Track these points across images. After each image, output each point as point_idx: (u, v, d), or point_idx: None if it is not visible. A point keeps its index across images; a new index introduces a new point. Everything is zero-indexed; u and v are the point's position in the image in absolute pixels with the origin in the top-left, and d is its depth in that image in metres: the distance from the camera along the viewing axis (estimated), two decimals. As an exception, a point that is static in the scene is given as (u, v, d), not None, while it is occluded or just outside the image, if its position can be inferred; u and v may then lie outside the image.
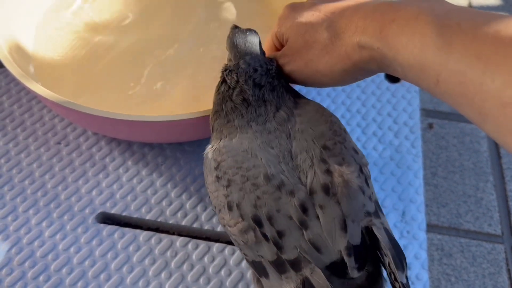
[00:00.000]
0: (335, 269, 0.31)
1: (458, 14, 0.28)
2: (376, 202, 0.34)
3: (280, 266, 0.31)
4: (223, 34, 0.50)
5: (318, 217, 0.31)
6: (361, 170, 0.33)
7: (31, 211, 0.43)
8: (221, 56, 0.52)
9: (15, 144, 0.47)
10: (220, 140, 0.35)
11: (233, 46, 0.38)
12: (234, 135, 0.35)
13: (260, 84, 0.36)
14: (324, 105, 0.53)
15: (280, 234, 0.31)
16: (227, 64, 0.38)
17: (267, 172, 0.32)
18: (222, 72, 0.37)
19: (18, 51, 0.49)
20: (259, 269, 0.32)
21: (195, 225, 0.43)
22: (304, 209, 0.31)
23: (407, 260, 0.43)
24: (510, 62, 0.24)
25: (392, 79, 0.57)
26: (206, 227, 0.43)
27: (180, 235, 0.43)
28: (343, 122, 0.52)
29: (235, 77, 0.36)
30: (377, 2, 0.33)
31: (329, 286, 0.29)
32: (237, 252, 0.42)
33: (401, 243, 0.44)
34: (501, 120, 0.24)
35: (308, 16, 0.36)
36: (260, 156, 0.33)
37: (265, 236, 0.31)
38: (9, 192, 0.44)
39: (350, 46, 0.33)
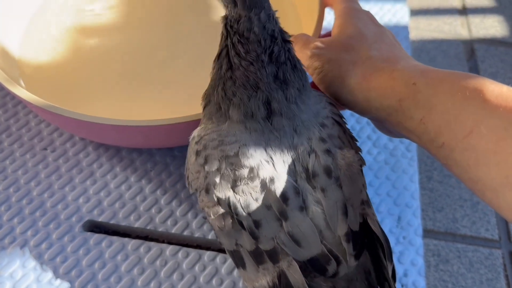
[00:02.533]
0: (315, 265, 0.29)
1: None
2: (367, 193, 0.33)
3: (258, 256, 0.30)
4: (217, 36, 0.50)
5: (301, 207, 0.29)
6: (357, 154, 0.32)
7: (15, 220, 0.42)
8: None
9: (0, 150, 0.46)
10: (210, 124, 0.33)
11: None
12: (222, 122, 0.32)
13: (278, 60, 0.29)
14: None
15: (257, 224, 0.29)
16: (227, 18, 0.29)
17: (247, 151, 0.30)
18: (223, 34, 0.30)
19: (4, 55, 0.48)
20: (236, 259, 0.31)
21: (185, 233, 0.42)
22: (284, 198, 0.29)
23: (404, 267, 0.42)
24: None
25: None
26: (197, 235, 0.42)
27: (170, 243, 0.41)
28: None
29: (240, 47, 0.29)
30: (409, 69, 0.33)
31: (304, 283, 0.28)
32: (229, 260, 0.41)
33: (397, 249, 0.43)
34: None
35: (368, 22, 0.37)
36: (248, 141, 0.30)
37: (241, 224, 0.30)
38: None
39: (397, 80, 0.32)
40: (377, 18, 0.61)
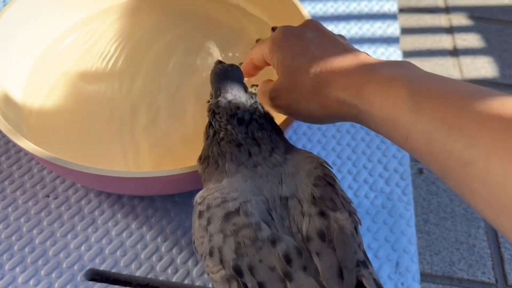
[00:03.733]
0: None
1: (429, 80, 0.31)
2: (364, 252, 0.33)
3: None
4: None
5: (304, 267, 0.30)
6: (351, 216, 0.33)
7: (17, 269, 0.42)
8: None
9: (3, 197, 0.47)
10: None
11: (214, 81, 0.38)
12: (221, 178, 0.35)
13: (244, 119, 0.36)
14: (315, 151, 0.53)
15: (261, 285, 0.30)
16: (209, 103, 0.38)
17: (247, 209, 0.32)
18: (207, 113, 0.37)
19: (7, 102, 0.49)
20: None
21: (186, 281, 0.42)
22: (288, 260, 0.30)
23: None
24: (471, 127, 0.27)
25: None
26: (197, 283, 0.42)
27: (171, 291, 0.42)
28: (334, 169, 0.52)
29: (218, 118, 0.36)
30: (359, 61, 0.35)
31: None
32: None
33: (396, 295, 0.43)
34: (461, 177, 0.27)
35: (299, 55, 0.37)
36: (248, 197, 0.33)
37: (245, 286, 0.30)
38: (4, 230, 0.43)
39: (331, 100, 0.35)
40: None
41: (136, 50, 0.59)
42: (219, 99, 0.36)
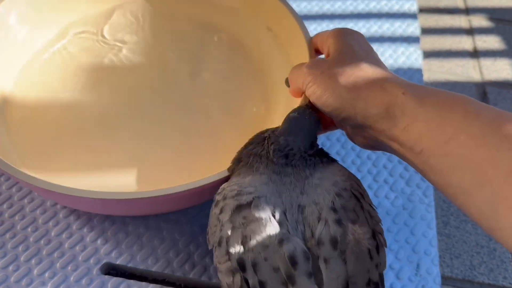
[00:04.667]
0: None
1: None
2: (381, 275, 0.32)
3: None
4: (208, 105, 0.50)
5: (309, 274, 0.29)
6: (373, 235, 0.32)
7: (33, 261, 0.42)
8: (204, 128, 0.49)
9: (18, 188, 0.46)
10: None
11: (285, 121, 0.37)
12: (247, 175, 0.34)
13: (291, 163, 0.35)
14: (333, 149, 0.52)
15: (262, 284, 0.29)
16: (273, 131, 0.38)
17: (258, 203, 0.31)
18: (266, 137, 0.37)
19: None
20: None
21: (203, 278, 0.41)
22: (293, 262, 0.29)
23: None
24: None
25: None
26: (214, 280, 0.41)
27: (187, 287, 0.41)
28: (353, 168, 0.51)
29: (271, 149, 0.35)
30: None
31: None
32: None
33: (417, 298, 0.42)
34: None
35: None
36: (264, 194, 0.32)
37: (247, 282, 0.29)
38: (11, 240, 0.43)
39: (374, 82, 0.34)
40: (391, 60, 0.62)
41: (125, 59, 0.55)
42: (280, 138, 0.36)
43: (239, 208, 0.31)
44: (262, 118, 0.51)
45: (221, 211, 0.32)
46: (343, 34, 0.39)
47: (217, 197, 0.34)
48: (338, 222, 0.31)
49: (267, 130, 0.38)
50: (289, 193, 0.33)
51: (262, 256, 0.29)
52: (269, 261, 0.29)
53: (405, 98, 0.32)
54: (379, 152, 0.53)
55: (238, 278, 0.30)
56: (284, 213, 0.31)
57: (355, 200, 0.33)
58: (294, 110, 0.38)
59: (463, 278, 1.07)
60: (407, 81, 0.34)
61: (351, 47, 0.38)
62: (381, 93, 0.33)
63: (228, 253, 0.30)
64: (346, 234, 0.30)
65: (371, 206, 0.34)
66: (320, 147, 0.38)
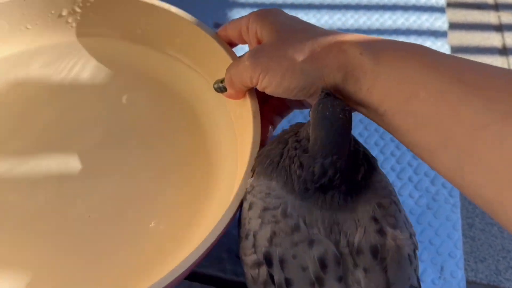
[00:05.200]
0: None
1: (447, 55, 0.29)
2: (418, 279, 0.30)
3: None
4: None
5: (340, 278, 0.27)
6: (411, 238, 0.30)
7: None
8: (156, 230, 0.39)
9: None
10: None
11: (316, 124, 0.29)
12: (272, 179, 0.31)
13: (324, 187, 0.30)
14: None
15: (288, 282, 0.28)
16: (296, 135, 0.31)
17: (286, 209, 0.29)
18: (287, 146, 0.31)
19: None
20: None
21: None
22: (323, 265, 0.28)
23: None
24: (489, 89, 0.25)
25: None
26: None
27: None
28: (375, 165, 0.49)
29: (295, 172, 0.30)
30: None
31: None
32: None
33: (441, 303, 0.40)
34: (468, 145, 0.25)
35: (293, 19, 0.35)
36: (292, 200, 0.30)
37: (272, 278, 0.28)
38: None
39: (329, 49, 0.31)
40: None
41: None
42: (315, 163, 0.29)
43: (267, 209, 0.30)
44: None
45: (250, 208, 0.31)
46: (268, 15, 0.35)
47: (248, 195, 0.32)
48: (379, 231, 0.29)
49: (288, 132, 0.33)
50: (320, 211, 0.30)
51: (290, 253, 0.28)
52: (298, 259, 0.28)
53: (363, 59, 0.29)
54: (404, 148, 0.51)
55: (263, 271, 0.29)
56: (316, 220, 0.29)
57: (395, 206, 0.31)
58: (323, 103, 0.29)
59: (487, 283, 1.03)
60: (364, 37, 0.32)
61: (284, 23, 0.34)
62: (341, 56, 0.30)
63: (254, 246, 0.29)
64: (386, 241, 0.29)
65: (403, 209, 0.32)
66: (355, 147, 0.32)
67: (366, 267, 0.28)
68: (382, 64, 0.29)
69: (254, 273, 0.29)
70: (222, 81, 0.38)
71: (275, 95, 0.33)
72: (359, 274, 0.28)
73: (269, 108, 0.40)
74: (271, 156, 0.32)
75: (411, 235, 0.30)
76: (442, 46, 0.62)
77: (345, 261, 0.28)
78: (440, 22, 0.64)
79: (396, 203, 0.31)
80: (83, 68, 0.49)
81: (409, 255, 0.29)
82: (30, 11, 0.47)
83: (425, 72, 0.27)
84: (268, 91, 0.33)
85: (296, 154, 0.30)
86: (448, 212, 0.46)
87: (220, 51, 0.42)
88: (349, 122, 0.29)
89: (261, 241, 0.29)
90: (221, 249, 0.42)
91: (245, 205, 0.31)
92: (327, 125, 0.28)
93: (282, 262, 0.28)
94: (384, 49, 0.30)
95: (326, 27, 0.56)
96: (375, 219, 0.29)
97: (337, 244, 0.29)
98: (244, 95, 0.38)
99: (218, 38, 0.43)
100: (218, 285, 0.40)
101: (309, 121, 0.31)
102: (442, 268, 0.42)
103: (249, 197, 0.31)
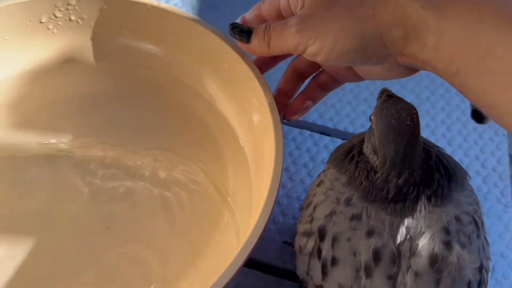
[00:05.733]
0: None
1: None
2: None
3: None
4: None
5: (390, 277, 0.27)
6: (480, 269, 0.28)
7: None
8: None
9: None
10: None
11: (382, 139, 0.27)
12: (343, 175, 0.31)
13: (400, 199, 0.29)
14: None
15: (334, 261, 0.27)
16: (362, 144, 0.30)
17: (350, 197, 0.29)
18: (355, 156, 0.30)
19: None
20: None
21: None
22: (376, 257, 0.27)
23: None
24: None
25: (479, 119, 0.53)
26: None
27: None
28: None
29: (367, 185, 0.29)
30: None
31: None
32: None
33: (492, 304, 0.39)
34: None
35: None
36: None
37: (319, 252, 0.28)
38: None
39: (385, 6, 0.28)
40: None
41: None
42: (390, 183, 0.28)
43: (334, 189, 0.30)
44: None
45: (319, 184, 0.31)
46: None
47: (321, 173, 0.32)
48: (447, 243, 0.27)
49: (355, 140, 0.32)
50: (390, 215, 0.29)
51: (346, 235, 0.27)
52: (352, 243, 0.27)
53: (425, 13, 0.26)
54: (456, 146, 0.50)
55: (312, 243, 0.28)
56: (382, 220, 0.28)
57: (474, 227, 0.29)
58: (386, 114, 0.27)
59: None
60: None
61: None
62: (399, 11, 0.27)
63: (312, 216, 0.29)
64: (450, 256, 0.27)
65: (486, 239, 0.30)
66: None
67: (418, 272, 0.26)
68: (448, 18, 0.26)
69: (302, 242, 0.29)
70: (245, 28, 0.32)
71: (327, 62, 0.30)
72: (409, 277, 0.27)
73: (314, 83, 0.38)
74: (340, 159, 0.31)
75: (482, 267, 0.28)
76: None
77: (401, 262, 0.27)
78: None
79: (477, 224, 0.29)
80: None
81: (470, 282, 0.27)
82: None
83: (500, 25, 0.25)
84: (319, 59, 0.29)
85: (365, 171, 0.29)
86: (500, 212, 0.45)
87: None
88: (418, 128, 0.27)
89: (320, 214, 0.29)
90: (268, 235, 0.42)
91: (316, 181, 0.32)
92: (395, 138, 0.27)
93: (334, 240, 0.27)
94: (448, 1, 0.27)
95: None
96: (447, 231, 0.28)
97: (399, 244, 0.27)
98: (273, 58, 0.35)
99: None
100: (263, 270, 0.40)
101: (371, 128, 0.29)
102: (493, 269, 0.41)
103: (322, 175, 0.32)
